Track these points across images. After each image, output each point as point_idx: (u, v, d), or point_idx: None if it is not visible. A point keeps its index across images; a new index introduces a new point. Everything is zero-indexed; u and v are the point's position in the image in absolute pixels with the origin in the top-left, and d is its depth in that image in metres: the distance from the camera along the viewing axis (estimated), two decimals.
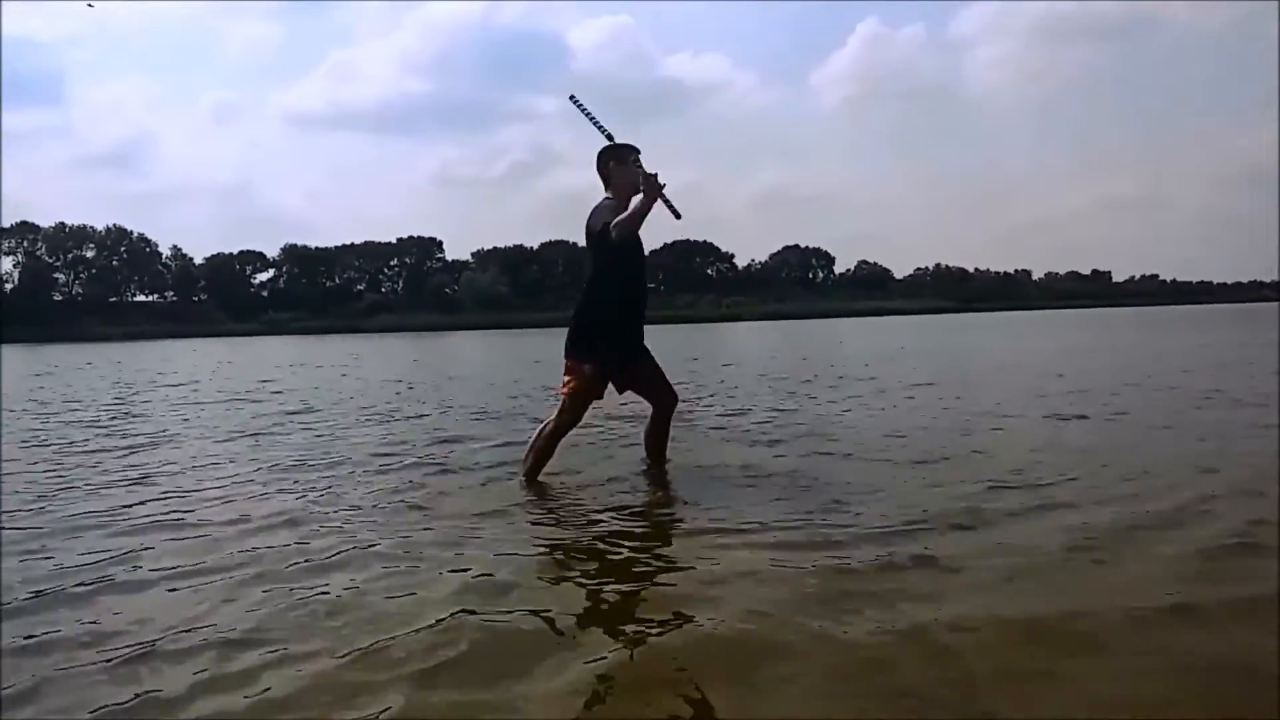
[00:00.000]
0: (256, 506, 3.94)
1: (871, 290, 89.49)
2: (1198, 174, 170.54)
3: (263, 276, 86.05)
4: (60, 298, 75.69)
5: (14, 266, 76.00)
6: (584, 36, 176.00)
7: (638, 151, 4.24)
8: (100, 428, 7.14)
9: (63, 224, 78.16)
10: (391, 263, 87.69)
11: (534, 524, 3.54)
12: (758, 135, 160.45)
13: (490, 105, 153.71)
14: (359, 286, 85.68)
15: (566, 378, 4.23)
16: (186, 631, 2.38)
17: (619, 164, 4.22)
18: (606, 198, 4.25)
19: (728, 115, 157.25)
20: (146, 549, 3.22)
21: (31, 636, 2.38)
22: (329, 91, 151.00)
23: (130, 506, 3.95)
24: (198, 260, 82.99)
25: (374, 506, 3.89)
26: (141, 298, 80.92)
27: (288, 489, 4.34)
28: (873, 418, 6.41)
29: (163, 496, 4.19)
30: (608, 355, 4.22)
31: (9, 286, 73.78)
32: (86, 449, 5.92)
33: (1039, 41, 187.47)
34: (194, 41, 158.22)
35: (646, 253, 4.45)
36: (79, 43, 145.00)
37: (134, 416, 8.08)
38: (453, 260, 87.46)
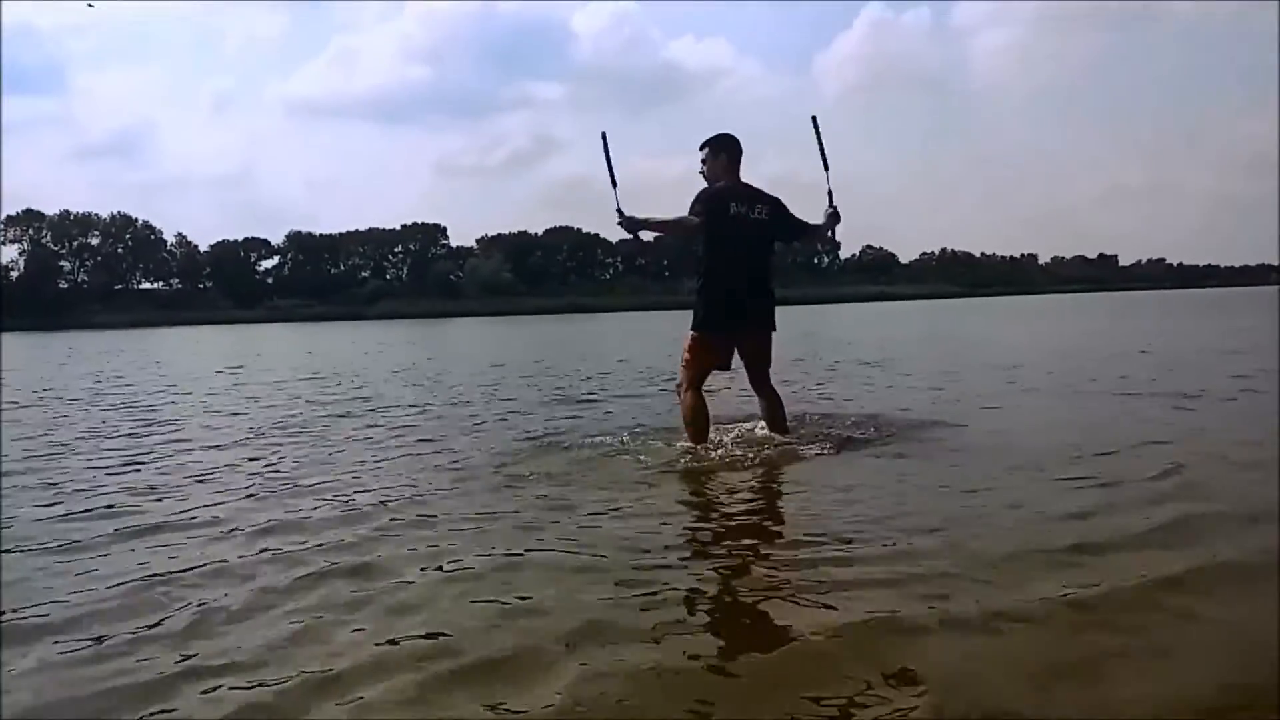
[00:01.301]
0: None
1: (877, 275, 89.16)
2: (1205, 161, 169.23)
3: (267, 263, 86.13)
4: (65, 285, 75.72)
5: (19, 254, 76.07)
6: (587, 21, 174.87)
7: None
8: None
9: (67, 211, 78.13)
10: (396, 249, 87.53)
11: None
12: (760, 123, 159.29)
13: (491, 92, 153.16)
14: (363, 273, 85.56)
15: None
16: None
17: None
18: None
19: (730, 102, 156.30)
20: None
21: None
22: (330, 80, 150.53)
23: None
24: (203, 247, 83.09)
25: None
26: (146, 285, 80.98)
27: None
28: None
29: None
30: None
31: (14, 274, 73.83)
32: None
33: (1044, 28, 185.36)
34: (195, 31, 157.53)
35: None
36: (80, 32, 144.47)
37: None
38: (457, 247, 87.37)
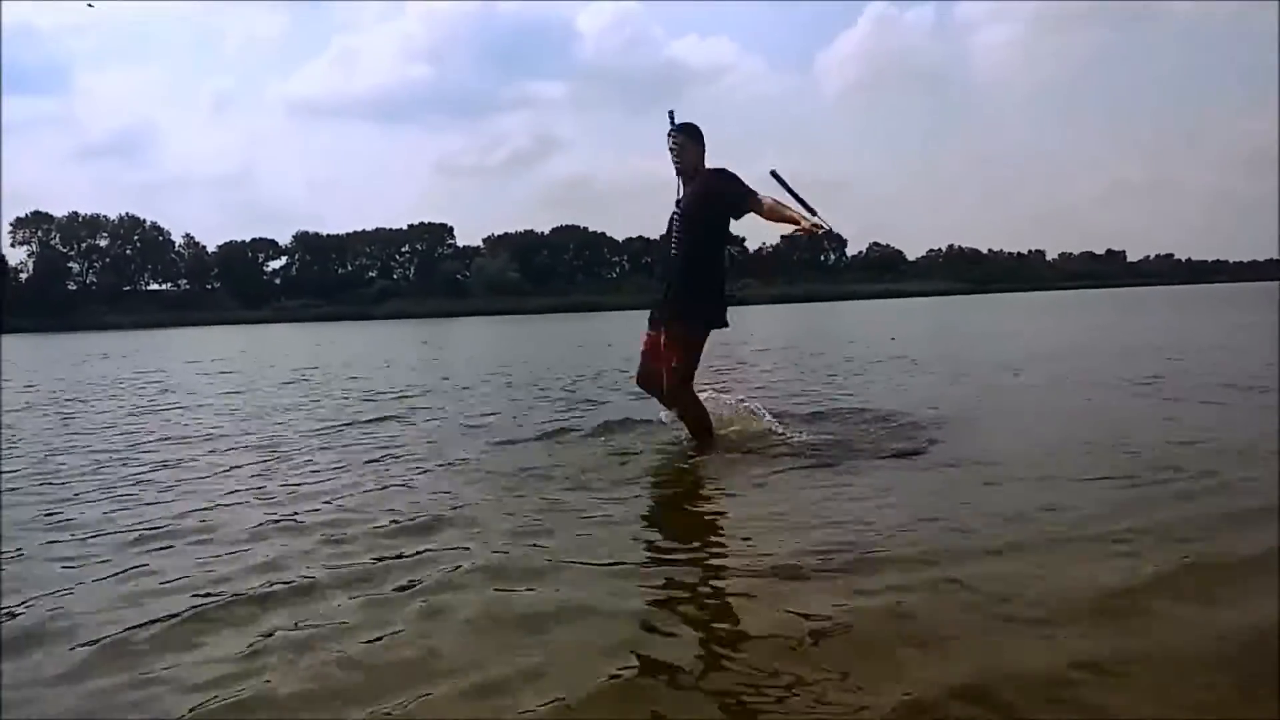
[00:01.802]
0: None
1: (883, 273, 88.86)
2: (1208, 157, 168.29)
3: (275, 264, 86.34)
4: (74, 287, 75.95)
5: (28, 256, 76.33)
6: (589, 21, 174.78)
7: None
8: None
9: (76, 213, 78.36)
10: (403, 249, 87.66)
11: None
12: (764, 119, 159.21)
13: (493, 91, 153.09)
14: (371, 273, 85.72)
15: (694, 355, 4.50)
16: None
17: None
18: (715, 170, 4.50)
19: (734, 99, 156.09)
20: None
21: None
22: (330, 80, 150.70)
23: None
24: (210, 248, 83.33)
25: None
26: (155, 286, 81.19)
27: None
28: None
29: None
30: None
31: (24, 276, 74.09)
32: None
33: (1046, 25, 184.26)
34: (196, 31, 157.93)
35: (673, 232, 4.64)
36: (82, 32, 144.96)
37: None
38: (464, 246, 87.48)
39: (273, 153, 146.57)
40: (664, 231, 4.63)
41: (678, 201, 4.55)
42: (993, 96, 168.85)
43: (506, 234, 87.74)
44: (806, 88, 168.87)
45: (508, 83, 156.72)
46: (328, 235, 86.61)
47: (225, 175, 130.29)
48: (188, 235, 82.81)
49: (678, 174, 4.53)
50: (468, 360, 13.92)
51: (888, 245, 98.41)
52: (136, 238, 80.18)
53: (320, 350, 19.17)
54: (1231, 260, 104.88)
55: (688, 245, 4.46)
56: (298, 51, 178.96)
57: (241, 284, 78.89)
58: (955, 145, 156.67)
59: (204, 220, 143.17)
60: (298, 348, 21.19)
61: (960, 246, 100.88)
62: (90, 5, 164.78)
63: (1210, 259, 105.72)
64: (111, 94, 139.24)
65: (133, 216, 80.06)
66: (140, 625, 2.36)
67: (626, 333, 21.08)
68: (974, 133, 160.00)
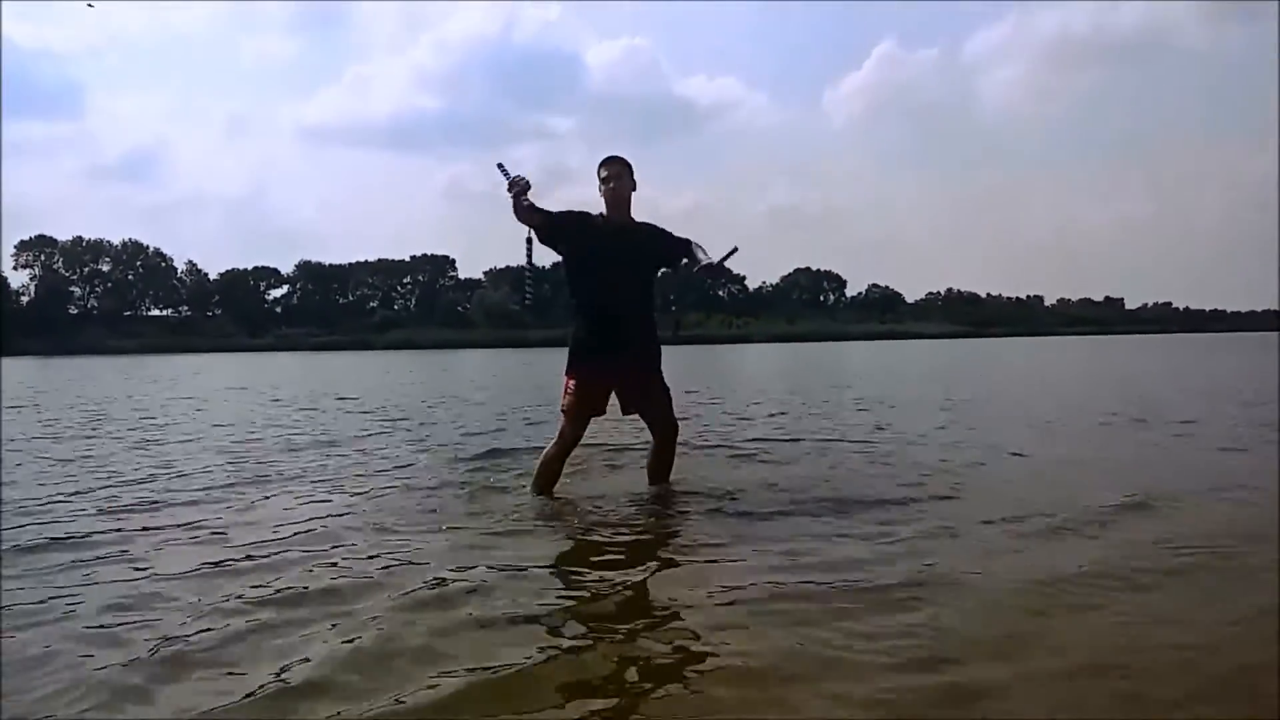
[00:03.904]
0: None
1: (882, 313, 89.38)
2: (1211, 197, 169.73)
3: (276, 292, 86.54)
4: (76, 311, 75.98)
5: (30, 280, 76.45)
6: (599, 56, 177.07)
7: (618, 164, 4.13)
8: None
9: (80, 238, 78.70)
10: (405, 280, 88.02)
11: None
12: (769, 154, 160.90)
13: (503, 123, 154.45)
14: (372, 303, 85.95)
15: (564, 393, 4.19)
16: None
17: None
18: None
19: (739, 135, 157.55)
20: None
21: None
22: (343, 106, 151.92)
23: None
24: (212, 275, 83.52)
25: None
26: (155, 312, 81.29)
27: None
28: None
29: None
30: (589, 367, 4.12)
31: (25, 299, 74.15)
32: None
33: (1053, 63, 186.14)
34: (209, 56, 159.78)
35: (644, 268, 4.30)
36: (96, 55, 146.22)
37: None
38: (465, 278, 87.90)
39: (283, 178, 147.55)
40: (596, 261, 4.13)
41: (608, 234, 4.12)
42: (998, 135, 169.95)
43: (509, 266, 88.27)
44: (812, 125, 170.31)
45: (519, 115, 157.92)
46: (330, 265, 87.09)
47: (234, 199, 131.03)
48: (190, 262, 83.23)
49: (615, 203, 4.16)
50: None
51: (886, 287, 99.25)
52: (139, 263, 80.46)
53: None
54: (1230, 310, 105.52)
55: (645, 285, 4.30)
56: (310, 77, 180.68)
57: (243, 311, 78.99)
58: (960, 183, 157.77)
59: (210, 243, 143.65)
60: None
61: (959, 290, 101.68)
62: (90, 5, 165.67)
63: (1209, 308, 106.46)
64: (124, 116, 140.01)
65: (135, 242, 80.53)
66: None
67: None
68: (978, 171, 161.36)
